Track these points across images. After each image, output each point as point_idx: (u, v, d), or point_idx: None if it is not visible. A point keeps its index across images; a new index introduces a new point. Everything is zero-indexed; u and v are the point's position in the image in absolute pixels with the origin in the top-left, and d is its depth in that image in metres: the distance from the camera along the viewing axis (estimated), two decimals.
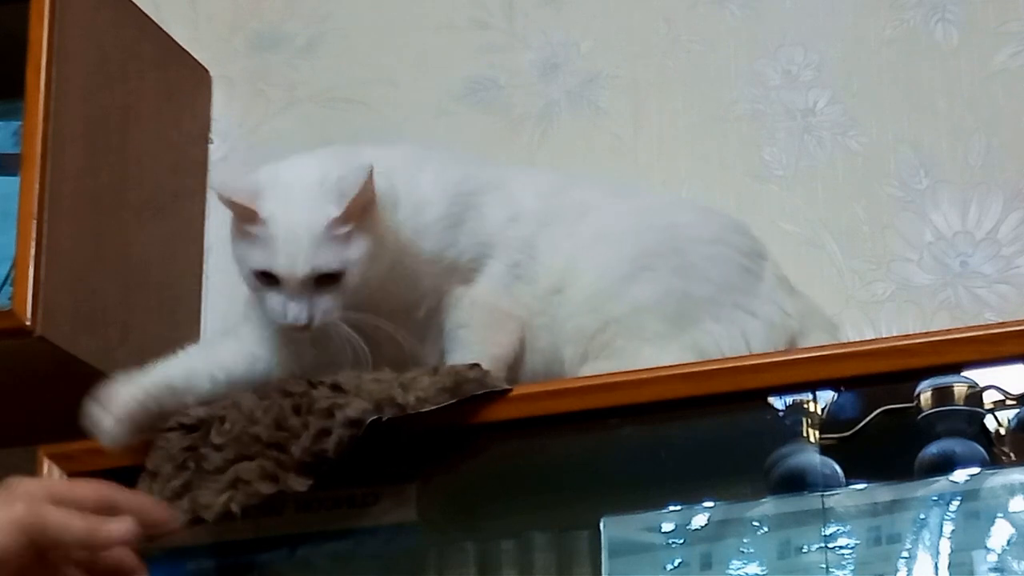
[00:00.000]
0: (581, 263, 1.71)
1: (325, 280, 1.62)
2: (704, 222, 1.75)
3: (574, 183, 1.80)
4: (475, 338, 1.69)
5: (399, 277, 1.68)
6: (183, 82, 2.19)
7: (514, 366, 1.70)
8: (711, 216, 1.78)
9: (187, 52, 2.20)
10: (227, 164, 2.19)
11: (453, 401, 1.60)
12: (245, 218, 1.64)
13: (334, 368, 1.68)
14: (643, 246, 1.71)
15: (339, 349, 1.67)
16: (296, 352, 1.71)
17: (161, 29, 2.16)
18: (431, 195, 1.71)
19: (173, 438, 1.65)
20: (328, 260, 1.62)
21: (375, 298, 1.66)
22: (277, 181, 1.65)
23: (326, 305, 1.63)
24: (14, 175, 1.89)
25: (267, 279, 1.64)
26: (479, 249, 1.72)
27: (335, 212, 1.61)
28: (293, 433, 1.60)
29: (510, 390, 1.63)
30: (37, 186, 1.85)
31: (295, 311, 1.63)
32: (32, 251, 1.84)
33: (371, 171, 1.61)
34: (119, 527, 1.31)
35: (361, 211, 1.62)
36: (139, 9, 2.11)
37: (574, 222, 1.74)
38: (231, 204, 1.65)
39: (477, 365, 1.64)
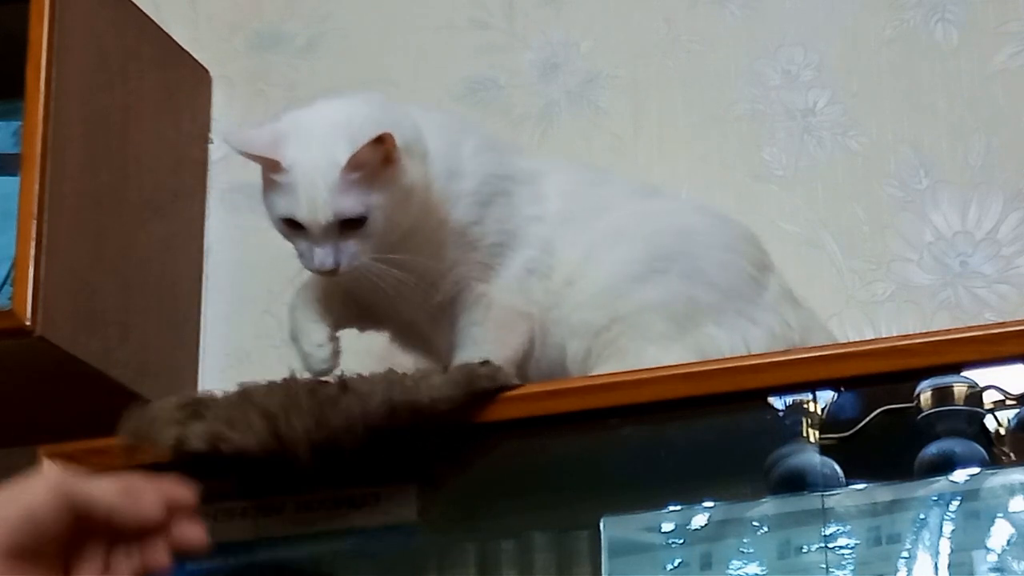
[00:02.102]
0: (595, 259, 1.72)
1: (350, 225, 1.63)
2: (718, 229, 1.75)
3: (600, 180, 1.80)
4: (487, 337, 1.70)
5: (428, 234, 1.70)
6: (183, 82, 2.19)
7: (525, 362, 1.71)
8: (725, 224, 1.77)
9: (187, 52, 2.20)
10: (227, 164, 2.20)
11: (467, 398, 1.60)
12: (269, 167, 1.65)
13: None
14: (656, 248, 1.71)
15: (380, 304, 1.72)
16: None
17: (161, 29, 2.16)
18: (468, 167, 1.72)
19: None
20: (350, 205, 1.62)
21: (404, 250, 1.67)
22: (299, 126, 1.66)
23: (352, 249, 1.64)
24: (14, 175, 1.89)
25: (294, 226, 1.65)
26: (502, 237, 1.73)
27: (345, 159, 1.61)
28: (304, 405, 1.59)
29: (521, 385, 1.63)
30: (37, 186, 1.86)
31: (321, 256, 1.64)
32: (32, 251, 1.84)
33: (389, 128, 1.62)
34: (152, 495, 1.32)
35: (383, 158, 1.62)
36: (139, 9, 2.11)
37: (593, 219, 1.74)
38: (252, 157, 1.65)
39: (488, 362, 1.64)
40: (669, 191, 1.99)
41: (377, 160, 1.62)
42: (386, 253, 1.66)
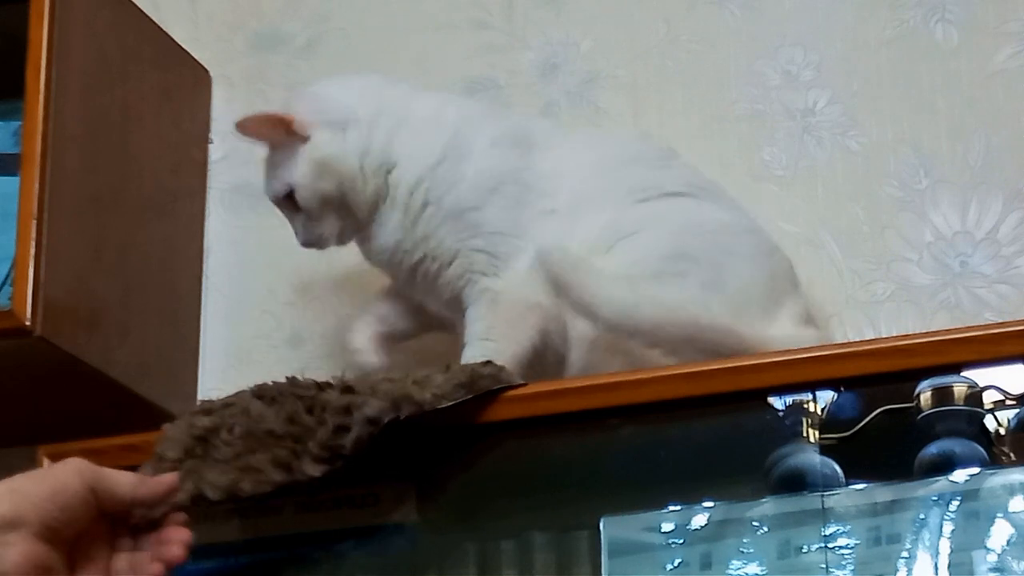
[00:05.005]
0: (616, 244, 1.70)
1: (292, 202, 1.79)
2: (750, 239, 1.75)
3: (631, 166, 1.79)
4: (491, 333, 1.70)
5: (413, 215, 1.75)
6: (183, 82, 2.19)
7: (541, 356, 1.71)
8: (758, 235, 1.77)
9: (187, 52, 2.20)
10: (227, 164, 2.20)
11: (470, 397, 1.60)
12: None
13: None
14: (681, 247, 1.69)
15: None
16: None
17: (161, 29, 2.16)
18: (479, 152, 1.76)
19: (182, 426, 1.63)
20: (274, 185, 1.81)
21: (397, 251, 1.78)
22: None
23: (304, 222, 1.80)
24: (14, 175, 1.89)
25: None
26: (507, 226, 1.73)
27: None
28: (307, 428, 1.58)
29: (524, 385, 1.63)
30: (37, 186, 1.86)
31: (296, 234, 1.82)
32: (32, 251, 1.84)
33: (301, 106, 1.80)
34: (165, 478, 1.40)
35: (276, 130, 1.78)
36: (139, 9, 2.11)
37: (617, 204, 1.73)
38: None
39: (490, 362, 1.64)
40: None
41: (280, 133, 1.78)
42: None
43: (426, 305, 1.82)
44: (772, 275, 1.73)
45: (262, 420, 1.61)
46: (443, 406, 1.59)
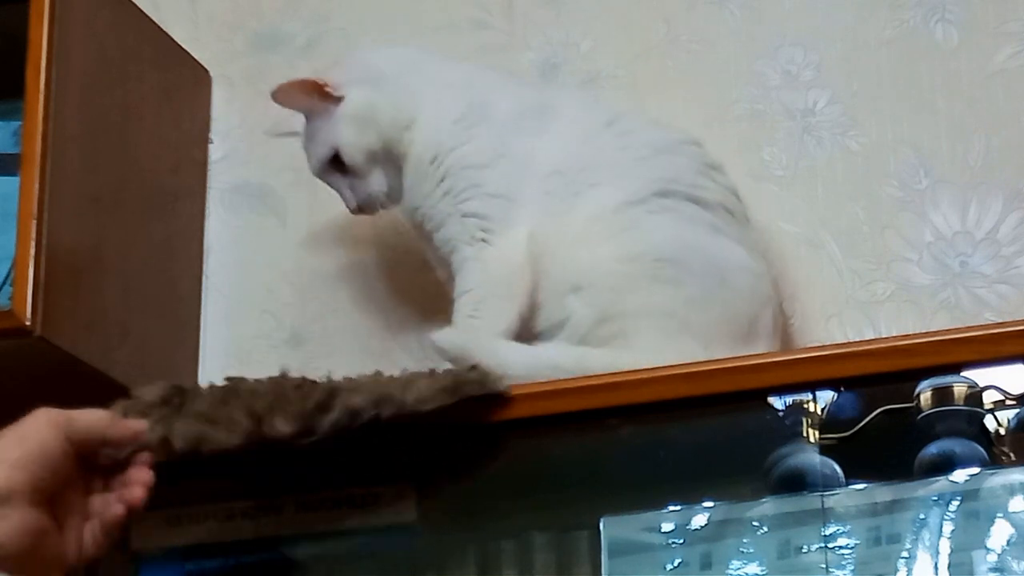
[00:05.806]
0: (625, 235, 1.71)
1: (340, 165, 1.81)
2: (749, 272, 1.74)
3: (664, 155, 1.78)
4: (480, 310, 1.70)
5: (419, 176, 1.78)
6: (183, 82, 2.19)
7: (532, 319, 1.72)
8: (759, 280, 1.76)
9: (187, 52, 2.20)
10: (227, 164, 2.20)
11: (452, 401, 1.60)
12: None
13: None
14: (682, 255, 1.69)
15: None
16: None
17: (161, 29, 2.16)
18: (496, 120, 1.78)
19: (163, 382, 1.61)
20: (318, 151, 1.83)
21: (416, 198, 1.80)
22: None
23: (352, 184, 1.82)
24: (14, 175, 1.89)
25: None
26: (506, 189, 1.74)
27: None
28: (287, 394, 1.57)
29: (509, 390, 1.63)
30: (37, 186, 1.85)
31: (346, 202, 1.84)
32: (32, 251, 1.84)
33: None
34: (134, 422, 1.42)
35: (319, 97, 1.81)
36: (139, 9, 2.11)
37: (641, 191, 1.73)
38: None
39: (476, 366, 1.63)
40: None
41: (315, 99, 1.81)
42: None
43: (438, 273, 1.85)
44: (752, 320, 1.71)
45: (243, 384, 1.60)
46: (425, 409, 1.58)
